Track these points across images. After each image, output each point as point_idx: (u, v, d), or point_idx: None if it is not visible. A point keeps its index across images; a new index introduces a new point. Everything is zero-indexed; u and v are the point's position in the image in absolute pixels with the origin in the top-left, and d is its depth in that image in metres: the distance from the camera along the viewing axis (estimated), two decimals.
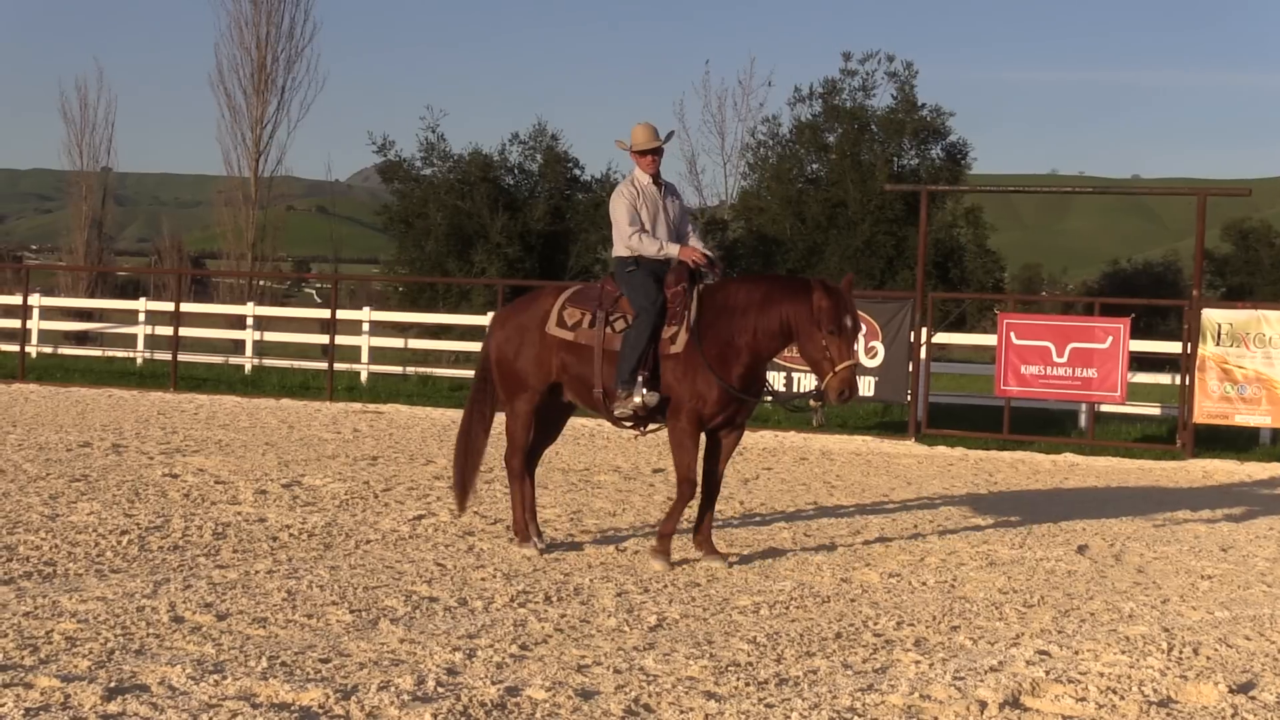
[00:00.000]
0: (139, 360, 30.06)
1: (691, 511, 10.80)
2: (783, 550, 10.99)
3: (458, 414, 22.10)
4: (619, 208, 10.48)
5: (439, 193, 41.38)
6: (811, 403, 10.44)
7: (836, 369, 9.81)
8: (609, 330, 10.36)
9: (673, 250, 10.35)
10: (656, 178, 10.57)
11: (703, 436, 10.36)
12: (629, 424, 10.65)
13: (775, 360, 20.46)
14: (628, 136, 10.57)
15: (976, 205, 43.43)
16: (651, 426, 10.61)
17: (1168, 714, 6.79)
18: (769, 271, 40.05)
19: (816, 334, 9.86)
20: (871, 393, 21.01)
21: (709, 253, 10.45)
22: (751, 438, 20.40)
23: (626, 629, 8.09)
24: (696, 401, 10.05)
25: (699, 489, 10.37)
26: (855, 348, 9.98)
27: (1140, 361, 28.40)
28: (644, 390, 10.14)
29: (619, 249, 10.50)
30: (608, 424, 10.76)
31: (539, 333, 10.59)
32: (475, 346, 29.42)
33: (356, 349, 28.57)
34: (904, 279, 39.54)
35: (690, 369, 10.06)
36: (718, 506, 12.52)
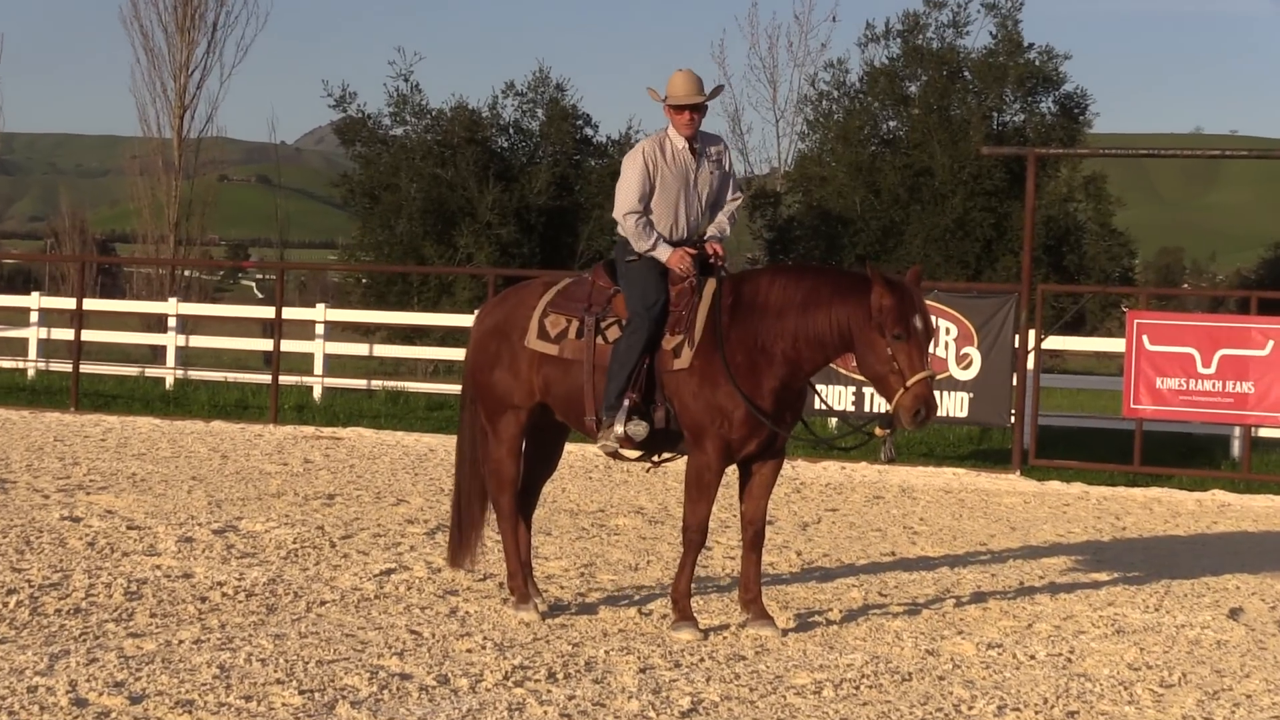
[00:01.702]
0: (31, 372, 30.15)
1: (734, 565, 10.77)
2: (852, 613, 10.97)
3: (435, 440, 22.13)
4: (629, 174, 10.47)
5: (413, 158, 41.44)
6: (877, 430, 10.35)
7: (908, 383, 9.76)
8: (600, 340, 10.35)
9: (664, 254, 10.33)
10: (693, 140, 10.56)
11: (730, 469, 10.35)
12: (633, 456, 10.64)
13: (839, 370, 20.66)
14: (662, 85, 10.59)
15: (1099, 173, 43.30)
16: (665, 456, 10.60)
17: None
18: (833, 259, 40.04)
19: (879, 341, 9.81)
20: (965, 413, 20.97)
21: (719, 255, 10.41)
22: (812, 471, 20.39)
23: (652, 714, 8.08)
24: (720, 424, 10.01)
25: (741, 535, 10.37)
26: (930, 355, 9.94)
27: None
28: (628, 419, 10.12)
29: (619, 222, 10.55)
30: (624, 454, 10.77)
31: (518, 343, 10.60)
32: (461, 355, 29.42)
33: (308, 357, 28.60)
34: (1006, 267, 39.46)
35: (707, 382, 10.02)
36: (768, 557, 12.51)
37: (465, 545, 11.12)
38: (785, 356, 10.04)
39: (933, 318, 10.21)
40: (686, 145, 10.53)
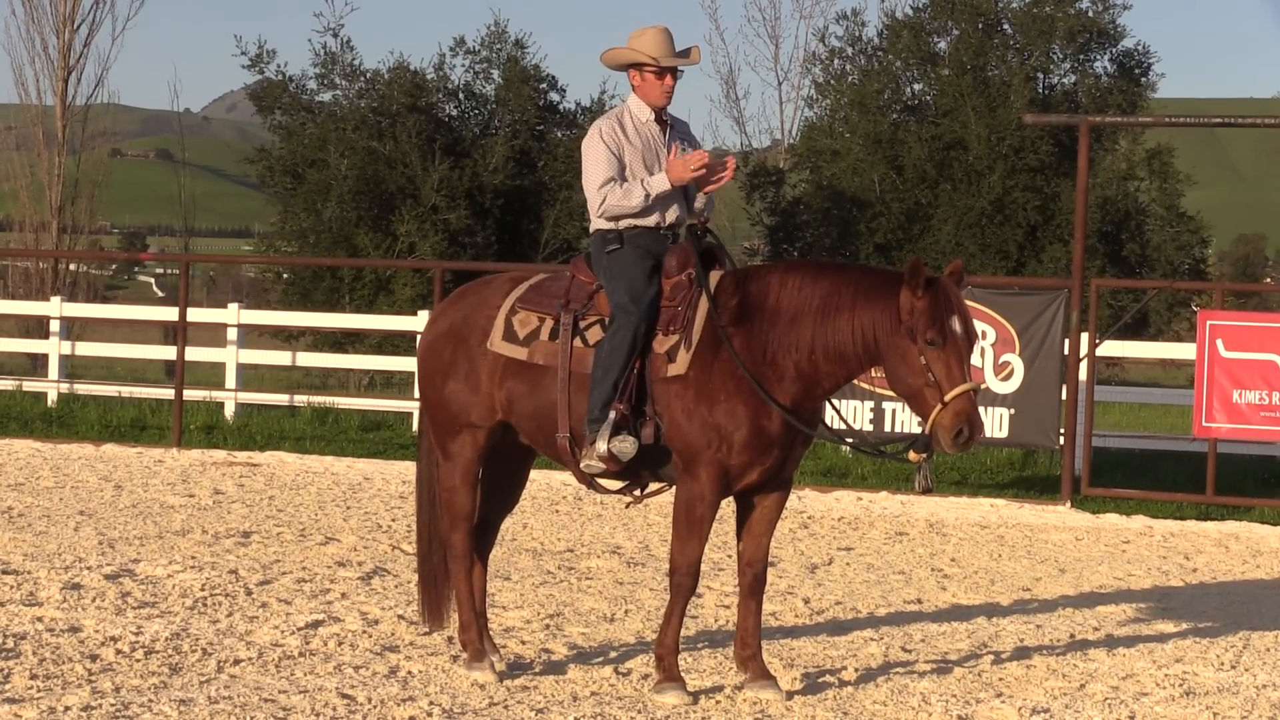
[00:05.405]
0: None
1: (730, 615, 10.79)
2: (870, 673, 10.99)
3: (370, 466, 22.11)
4: (592, 157, 10.40)
5: (344, 129, 41.44)
6: (911, 455, 10.32)
7: (946, 398, 9.77)
8: (578, 343, 10.33)
9: (660, 184, 10.31)
10: (662, 114, 10.56)
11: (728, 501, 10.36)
12: (614, 487, 10.62)
13: (857, 384, 20.58)
14: (622, 45, 10.57)
15: (1165, 146, 43.41)
16: (653, 487, 10.59)
17: None
18: (846, 249, 40.09)
19: (910, 349, 9.81)
20: (1004, 433, 20.98)
21: (710, 175, 10.40)
22: (821, 502, 20.37)
23: None
24: (718, 447, 10.03)
25: (738, 579, 10.39)
26: (972, 364, 9.93)
27: None
28: (614, 435, 10.09)
29: (595, 220, 10.47)
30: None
31: (479, 348, 10.57)
32: (401, 364, 29.43)
33: (219, 368, 28.55)
34: (1054, 259, 39.55)
35: (705, 397, 10.02)
36: (770, 605, 12.53)
37: (443, 598, 11.03)
38: (799, 371, 10.01)
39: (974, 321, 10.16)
40: (653, 116, 10.53)
